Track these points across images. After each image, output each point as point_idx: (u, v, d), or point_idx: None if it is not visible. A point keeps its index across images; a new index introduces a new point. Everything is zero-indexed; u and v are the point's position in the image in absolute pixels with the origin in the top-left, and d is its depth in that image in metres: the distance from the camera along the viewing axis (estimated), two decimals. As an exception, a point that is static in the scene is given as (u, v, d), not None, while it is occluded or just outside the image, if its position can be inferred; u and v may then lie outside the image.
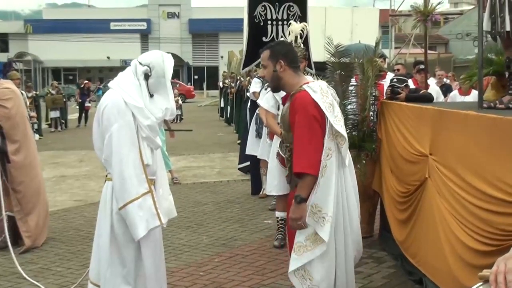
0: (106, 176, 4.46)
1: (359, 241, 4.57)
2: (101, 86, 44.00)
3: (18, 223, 7.37)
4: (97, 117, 4.42)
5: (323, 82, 4.57)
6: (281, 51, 4.46)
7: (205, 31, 65.04)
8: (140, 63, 4.43)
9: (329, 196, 4.17)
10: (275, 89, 4.73)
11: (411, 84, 10.68)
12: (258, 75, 9.94)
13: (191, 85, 57.21)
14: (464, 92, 11.34)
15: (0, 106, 7.35)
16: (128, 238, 4.33)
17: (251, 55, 9.64)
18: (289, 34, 7.70)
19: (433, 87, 10.73)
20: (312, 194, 4.18)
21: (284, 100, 4.57)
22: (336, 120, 4.23)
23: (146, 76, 4.38)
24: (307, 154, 4.15)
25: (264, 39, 9.17)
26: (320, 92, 4.25)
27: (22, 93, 10.30)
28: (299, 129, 4.20)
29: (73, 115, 28.73)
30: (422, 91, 7.68)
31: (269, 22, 9.19)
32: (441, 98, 10.68)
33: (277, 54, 4.43)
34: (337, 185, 4.23)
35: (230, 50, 30.29)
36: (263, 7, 9.15)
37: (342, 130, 4.25)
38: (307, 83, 4.36)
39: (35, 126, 14.92)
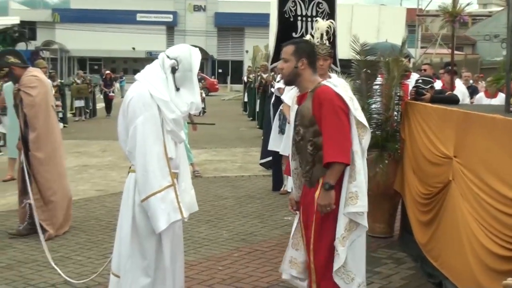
0: (130, 167, 4.49)
1: None
2: (123, 78, 44.37)
3: (37, 211, 7.43)
4: (123, 109, 4.44)
5: (340, 78, 4.73)
6: (305, 50, 4.56)
7: (230, 25, 65.06)
8: (168, 57, 4.44)
9: (364, 185, 4.40)
10: (289, 83, 4.77)
11: (438, 85, 10.61)
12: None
13: (215, 78, 57.24)
14: (491, 94, 11.24)
15: (25, 93, 7.42)
16: (149, 230, 4.35)
17: (280, 51, 9.61)
18: (315, 31, 7.68)
19: (460, 88, 10.62)
20: (345, 182, 4.35)
21: (299, 99, 4.61)
22: (357, 112, 4.41)
23: (173, 70, 4.39)
24: (338, 143, 4.28)
25: (294, 34, 9.15)
26: (341, 86, 4.43)
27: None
28: (328, 119, 4.31)
29: (99, 105, 28.88)
30: (448, 92, 7.62)
31: (299, 18, 9.18)
32: (467, 99, 10.59)
33: (301, 51, 4.52)
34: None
35: (256, 45, 30.34)
36: (293, 3, 9.14)
37: (365, 121, 4.43)
38: (326, 79, 4.53)
39: (60, 115, 15.02)
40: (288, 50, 4.57)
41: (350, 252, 4.41)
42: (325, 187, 4.30)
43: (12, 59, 7.52)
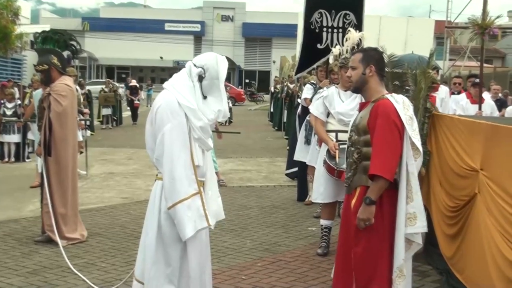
0: (157, 175, 4.51)
1: None
2: (152, 87, 44.62)
3: (44, 216, 7.51)
4: (150, 117, 4.46)
5: (405, 97, 4.69)
6: (374, 57, 4.62)
7: (258, 35, 65.24)
8: (195, 65, 4.46)
9: (421, 205, 4.50)
10: (356, 91, 4.82)
11: (463, 97, 10.52)
12: (311, 81, 9.91)
13: (241, 88, 57.42)
14: (521, 107, 11.13)
15: (55, 100, 7.48)
16: (174, 237, 4.37)
17: (305, 62, 9.62)
18: (346, 40, 7.65)
19: (488, 102, 10.54)
20: (402, 203, 4.42)
21: (361, 106, 4.65)
22: (414, 133, 4.45)
23: (200, 78, 4.41)
24: (385, 158, 4.32)
25: (318, 46, 9.15)
26: (402, 104, 4.45)
27: (77, 89, 10.48)
28: (380, 133, 4.35)
29: (125, 113, 29.10)
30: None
31: (325, 29, 9.18)
32: (496, 113, 10.49)
33: (369, 58, 4.58)
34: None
35: (283, 55, 30.38)
36: (319, 14, 9.15)
37: (419, 144, 4.46)
38: (390, 93, 4.55)
39: (87, 123, 15.16)
40: (356, 57, 4.64)
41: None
42: (366, 202, 4.33)
43: (55, 60, 7.60)
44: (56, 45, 7.72)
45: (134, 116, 27.79)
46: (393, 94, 4.55)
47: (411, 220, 4.40)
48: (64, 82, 7.63)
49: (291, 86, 19.75)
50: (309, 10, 9.37)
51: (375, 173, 4.29)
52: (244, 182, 12.37)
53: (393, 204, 4.45)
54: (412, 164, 4.42)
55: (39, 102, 7.92)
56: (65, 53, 7.91)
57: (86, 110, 15.21)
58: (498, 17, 8.07)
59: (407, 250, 4.51)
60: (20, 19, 25.76)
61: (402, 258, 4.41)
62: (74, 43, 8.02)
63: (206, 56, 4.56)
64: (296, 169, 10.77)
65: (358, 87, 4.66)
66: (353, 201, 4.50)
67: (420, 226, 4.45)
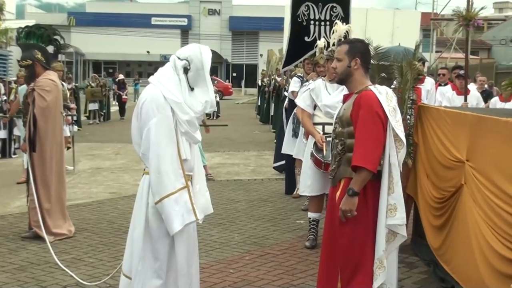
0: (144, 169, 4.51)
1: None
2: (139, 81, 44.49)
3: (30, 212, 7.48)
4: (136, 111, 4.45)
5: (388, 88, 4.67)
6: (359, 49, 4.60)
7: (245, 29, 65.11)
8: (179, 58, 4.45)
9: (401, 197, 4.48)
10: (341, 82, 4.82)
11: (448, 89, 10.55)
12: (298, 74, 9.92)
13: (229, 82, 57.34)
14: (505, 98, 11.18)
15: (39, 95, 7.43)
16: (162, 232, 4.36)
17: (292, 55, 9.62)
18: (333, 33, 7.66)
19: (474, 93, 10.59)
20: (384, 194, 4.42)
21: (345, 98, 4.66)
22: (397, 124, 4.43)
23: (186, 70, 4.41)
24: (367, 149, 4.30)
25: (306, 38, 9.17)
26: (386, 95, 4.43)
27: (63, 84, 10.42)
28: (362, 123, 4.34)
29: (113, 108, 29.01)
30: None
31: (312, 22, 9.19)
32: (481, 104, 10.53)
33: (355, 50, 4.57)
34: None
35: (270, 48, 30.34)
36: (306, 7, 9.17)
37: (402, 135, 4.45)
38: (374, 85, 4.54)
39: (74, 118, 15.10)
40: (342, 49, 4.63)
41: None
42: (349, 193, 4.33)
43: (39, 55, 7.55)
44: (40, 40, 7.67)
45: (122, 111, 27.74)
46: (377, 85, 4.55)
47: (391, 211, 4.41)
48: (49, 77, 7.58)
49: (278, 79, 19.74)
50: (296, 3, 9.37)
51: (358, 164, 4.29)
52: (231, 175, 12.36)
53: (378, 195, 4.46)
54: (394, 155, 4.41)
55: (24, 98, 7.86)
56: (50, 48, 7.86)
57: (73, 105, 15.14)
58: (482, 8, 8.11)
59: (391, 241, 4.52)
60: (4, 14, 25.67)
61: (383, 249, 4.41)
62: (58, 37, 7.97)
63: (189, 48, 4.55)
64: (283, 162, 10.77)
65: (342, 79, 4.66)
66: (338, 193, 4.51)
67: (400, 218, 4.44)
